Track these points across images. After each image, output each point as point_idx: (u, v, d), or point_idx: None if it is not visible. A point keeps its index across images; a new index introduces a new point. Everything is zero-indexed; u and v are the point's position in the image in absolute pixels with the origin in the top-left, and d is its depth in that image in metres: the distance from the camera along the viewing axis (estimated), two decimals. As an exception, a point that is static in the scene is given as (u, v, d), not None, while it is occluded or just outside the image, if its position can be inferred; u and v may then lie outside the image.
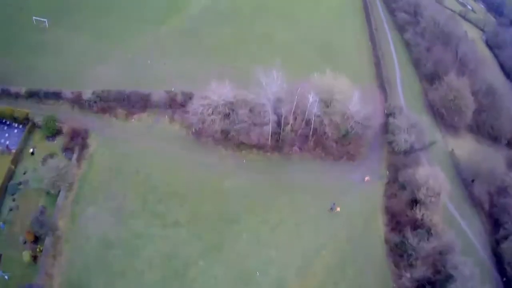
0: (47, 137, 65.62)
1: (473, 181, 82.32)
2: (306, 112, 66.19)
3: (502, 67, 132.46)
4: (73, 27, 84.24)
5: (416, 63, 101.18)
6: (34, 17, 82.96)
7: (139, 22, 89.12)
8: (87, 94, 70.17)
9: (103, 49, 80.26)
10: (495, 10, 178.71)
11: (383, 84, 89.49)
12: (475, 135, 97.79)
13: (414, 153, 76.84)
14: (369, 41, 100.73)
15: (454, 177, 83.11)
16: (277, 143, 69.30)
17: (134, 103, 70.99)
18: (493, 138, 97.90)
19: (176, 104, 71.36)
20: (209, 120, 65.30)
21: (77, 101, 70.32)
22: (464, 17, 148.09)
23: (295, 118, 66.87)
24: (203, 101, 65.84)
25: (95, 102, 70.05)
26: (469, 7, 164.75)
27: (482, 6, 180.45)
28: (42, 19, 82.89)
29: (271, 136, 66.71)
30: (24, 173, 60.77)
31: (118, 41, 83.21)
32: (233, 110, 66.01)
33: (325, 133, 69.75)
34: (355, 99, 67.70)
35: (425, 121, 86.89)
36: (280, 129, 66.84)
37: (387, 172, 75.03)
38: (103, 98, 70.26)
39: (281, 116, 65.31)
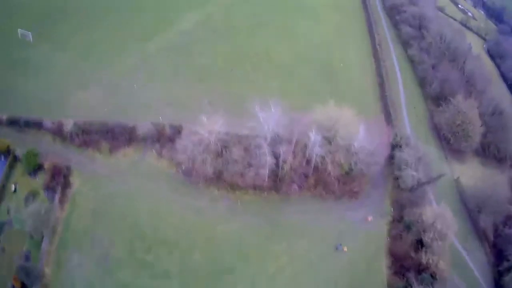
0: (29, 173, 62.15)
1: (479, 211, 78.72)
2: (307, 152, 60.89)
3: (503, 77, 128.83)
4: (57, 42, 79.00)
5: (422, 82, 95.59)
6: (19, 30, 77.91)
7: (126, 38, 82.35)
8: (68, 125, 64.66)
9: (87, 70, 74.32)
10: (496, 16, 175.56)
11: (387, 107, 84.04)
12: (480, 157, 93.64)
13: (421, 187, 72.26)
14: (373, 57, 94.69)
15: (459, 207, 79.77)
16: (274, 182, 64.07)
17: (118, 136, 65.02)
18: (499, 159, 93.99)
19: (164, 137, 65.44)
20: (199, 160, 59.69)
21: (59, 133, 65.49)
22: (465, 26, 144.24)
23: (294, 157, 61.42)
24: (193, 137, 60.10)
25: (77, 134, 64.47)
26: (470, 14, 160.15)
27: (482, 12, 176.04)
28: (27, 32, 77.86)
29: (268, 176, 61.39)
30: (8, 212, 58.94)
31: (103, 60, 76.87)
32: (226, 148, 60.42)
33: (326, 170, 64.55)
34: (360, 136, 62.51)
35: (431, 150, 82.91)
36: (278, 168, 61.47)
37: (392, 209, 70.48)
38: (85, 130, 64.65)
39: (279, 155, 59.85)
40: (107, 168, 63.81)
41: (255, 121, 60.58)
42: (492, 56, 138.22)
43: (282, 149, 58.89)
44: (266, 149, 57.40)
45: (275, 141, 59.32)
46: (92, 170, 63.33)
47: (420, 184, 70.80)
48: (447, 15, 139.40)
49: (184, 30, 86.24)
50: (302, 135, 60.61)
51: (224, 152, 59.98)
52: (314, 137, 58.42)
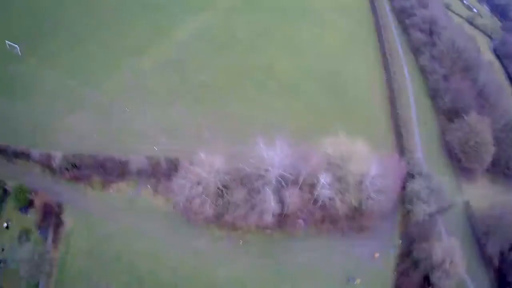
0: (20, 208, 59.48)
1: (486, 236, 76.19)
2: (315, 193, 56.68)
3: (510, 78, 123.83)
4: (46, 56, 74.30)
5: (433, 95, 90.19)
6: (7, 42, 73.39)
7: (119, 52, 76.43)
8: (57, 159, 59.90)
9: (75, 91, 69.30)
10: (500, 12, 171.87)
11: (399, 127, 79.05)
12: (490, 174, 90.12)
13: (431, 217, 68.88)
14: (383, 68, 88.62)
15: (467, 231, 76.89)
16: (279, 218, 60.04)
17: (110, 170, 60.20)
18: (509, 176, 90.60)
19: (159, 172, 60.73)
20: (198, 201, 55.27)
21: (48, 165, 61.25)
22: (471, 23, 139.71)
23: (301, 198, 57.17)
24: (191, 175, 55.39)
25: (66, 169, 59.97)
26: (475, 10, 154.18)
27: (487, 8, 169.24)
28: (14, 45, 73.31)
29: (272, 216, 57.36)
30: (2, 250, 56.69)
31: (92, 79, 71.38)
32: (227, 189, 55.95)
33: (334, 207, 60.54)
34: (371, 171, 58.23)
35: (442, 170, 78.81)
36: (283, 209, 57.37)
37: (400, 241, 67.32)
38: (75, 165, 59.89)
39: (285, 199, 55.55)
40: (101, 204, 59.49)
41: (258, 156, 55.80)
42: (498, 57, 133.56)
43: (288, 193, 54.48)
44: (270, 196, 52.91)
45: (281, 183, 54.82)
46: (85, 207, 59.19)
47: (431, 216, 67.49)
48: (453, 12, 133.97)
49: (180, 41, 79.75)
50: (310, 173, 56.05)
51: (225, 193, 55.54)
52: (323, 179, 53.98)
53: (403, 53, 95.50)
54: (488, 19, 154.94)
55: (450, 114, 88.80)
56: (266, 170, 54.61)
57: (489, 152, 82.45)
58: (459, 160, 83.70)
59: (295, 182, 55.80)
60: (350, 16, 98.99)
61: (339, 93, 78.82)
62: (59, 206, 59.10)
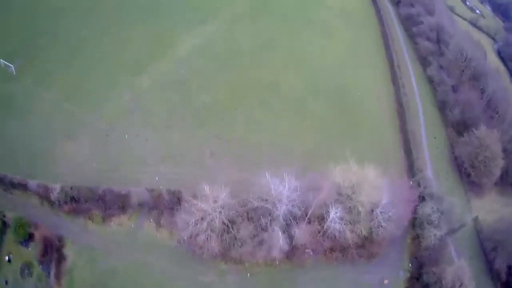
0: (20, 242, 58.08)
1: (494, 251, 74.93)
2: (325, 225, 54.64)
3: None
4: (41, 75, 72.06)
5: (441, 107, 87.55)
6: (1, 60, 71.47)
7: (116, 70, 73.43)
8: (55, 191, 57.90)
9: (73, 114, 66.98)
10: (502, 12, 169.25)
11: (407, 142, 76.72)
12: (499, 186, 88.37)
13: (441, 241, 67.27)
14: (391, 80, 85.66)
15: (475, 245, 75.54)
16: (286, 252, 58.15)
17: (110, 203, 57.88)
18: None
19: (162, 204, 58.40)
20: (203, 237, 53.09)
21: (46, 197, 59.18)
22: (475, 25, 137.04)
23: (310, 231, 55.10)
24: (195, 210, 52.97)
25: (65, 202, 57.88)
26: (478, 11, 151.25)
27: (488, 8, 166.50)
28: (9, 64, 71.30)
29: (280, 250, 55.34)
30: (6, 283, 55.97)
31: (90, 101, 68.90)
32: (233, 224, 53.77)
33: (344, 237, 58.61)
34: (383, 202, 56.21)
35: (450, 185, 76.98)
36: (291, 243, 55.36)
37: (410, 265, 65.81)
38: (74, 197, 57.66)
39: (294, 234, 53.50)
40: (102, 239, 57.41)
41: (265, 189, 53.53)
42: (503, 59, 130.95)
43: (297, 229, 52.37)
44: (279, 233, 50.81)
45: (289, 219, 52.69)
46: (86, 241, 57.27)
47: (441, 240, 65.92)
48: (457, 14, 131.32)
49: (181, 58, 76.50)
50: (319, 205, 53.92)
51: (231, 229, 53.39)
52: (333, 214, 51.91)
53: (410, 63, 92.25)
54: (490, 20, 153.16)
55: (458, 127, 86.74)
56: (274, 206, 52.43)
57: (498, 166, 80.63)
58: (468, 175, 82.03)
59: (304, 216, 53.63)
60: (356, 25, 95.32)
61: (347, 109, 76.01)
62: (60, 239, 57.44)
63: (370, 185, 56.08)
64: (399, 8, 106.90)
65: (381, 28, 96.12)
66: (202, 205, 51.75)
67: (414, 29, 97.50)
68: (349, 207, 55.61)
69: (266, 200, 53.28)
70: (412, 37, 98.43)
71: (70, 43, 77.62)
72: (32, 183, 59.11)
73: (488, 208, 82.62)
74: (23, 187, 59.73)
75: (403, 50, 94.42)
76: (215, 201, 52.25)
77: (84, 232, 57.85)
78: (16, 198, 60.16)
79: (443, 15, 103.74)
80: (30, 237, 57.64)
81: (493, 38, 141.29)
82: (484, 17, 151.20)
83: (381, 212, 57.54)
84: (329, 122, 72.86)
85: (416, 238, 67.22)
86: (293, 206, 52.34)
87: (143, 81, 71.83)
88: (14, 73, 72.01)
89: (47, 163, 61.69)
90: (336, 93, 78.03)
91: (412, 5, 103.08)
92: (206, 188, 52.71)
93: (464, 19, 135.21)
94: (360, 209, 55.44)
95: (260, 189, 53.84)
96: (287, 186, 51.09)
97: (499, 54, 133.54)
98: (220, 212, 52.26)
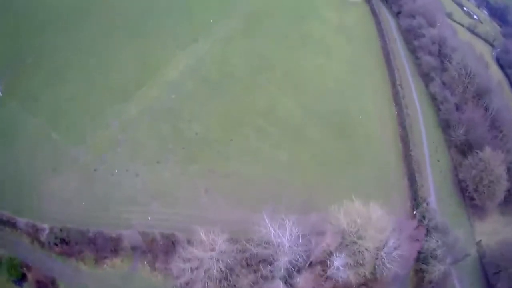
0: (13, 281, 55.32)
1: (496, 275, 73.04)
2: (328, 272, 51.35)
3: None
4: (28, 98, 68.33)
5: (444, 126, 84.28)
6: None
7: (102, 96, 68.84)
8: (44, 232, 54.75)
9: (59, 145, 62.77)
10: (499, 16, 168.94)
11: (411, 169, 73.48)
12: (501, 206, 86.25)
13: (445, 273, 64.68)
14: (393, 100, 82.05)
15: (477, 271, 73.46)
16: None
17: (102, 246, 54.09)
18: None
19: (156, 248, 54.67)
20: (200, 286, 49.50)
21: (36, 237, 55.92)
22: (473, 32, 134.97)
23: (312, 277, 51.80)
24: (190, 256, 49.38)
25: (55, 244, 54.54)
26: (475, 17, 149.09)
27: (485, 12, 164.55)
28: None
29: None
30: None
31: (76, 129, 64.56)
32: (231, 271, 50.25)
33: (347, 279, 55.51)
34: (388, 245, 53.10)
35: (456, 216, 74.34)
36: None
37: (411, 300, 63.30)
38: (64, 239, 54.15)
39: (296, 283, 50.11)
40: (95, 282, 54.01)
41: (264, 234, 49.93)
42: (502, 66, 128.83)
43: (299, 279, 49.02)
44: (280, 284, 47.42)
45: (291, 269, 49.29)
46: (79, 284, 53.78)
47: (445, 274, 63.39)
48: (455, 21, 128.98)
49: (171, 82, 71.64)
50: (322, 251, 50.59)
51: (229, 277, 49.90)
52: (337, 262, 48.65)
53: (412, 81, 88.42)
54: (488, 25, 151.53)
55: (462, 147, 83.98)
56: (274, 252, 48.97)
57: (502, 189, 78.35)
58: (471, 198, 79.53)
59: (305, 264, 50.26)
60: (355, 40, 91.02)
61: (348, 136, 72.14)
62: (53, 282, 54.25)
63: (375, 227, 52.82)
64: (399, 19, 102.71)
65: (382, 44, 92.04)
66: (198, 253, 48.37)
67: (416, 42, 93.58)
68: (354, 251, 52.41)
69: (266, 246, 49.91)
70: (413, 51, 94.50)
71: (56, 64, 73.14)
72: (21, 221, 55.83)
73: (490, 230, 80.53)
74: (12, 225, 56.62)
75: (404, 66, 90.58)
76: (211, 249, 48.97)
77: (77, 274, 54.63)
78: (6, 235, 56.87)
79: (444, 27, 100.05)
80: (23, 277, 54.47)
81: (491, 45, 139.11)
82: (481, 22, 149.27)
83: (386, 253, 54.60)
84: (330, 150, 68.97)
85: (420, 271, 64.77)
86: (294, 254, 49.02)
87: (131, 109, 67.14)
88: (0, 94, 68.48)
89: (34, 199, 58.00)
90: (336, 117, 73.98)
91: (413, 16, 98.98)
92: (202, 234, 49.44)
93: (462, 25, 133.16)
94: (365, 254, 52.30)
95: (259, 232, 50.17)
96: (288, 235, 47.62)
97: (498, 61, 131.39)
98: (217, 258, 48.86)
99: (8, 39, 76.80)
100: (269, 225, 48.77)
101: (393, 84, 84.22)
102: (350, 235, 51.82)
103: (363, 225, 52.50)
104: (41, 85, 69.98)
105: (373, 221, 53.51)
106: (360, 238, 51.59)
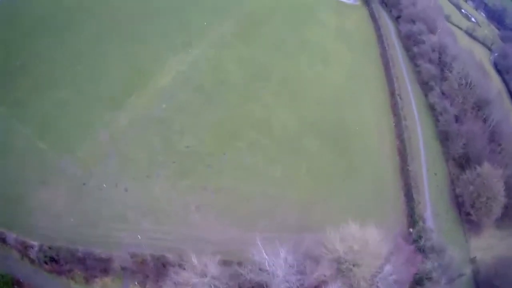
0: None
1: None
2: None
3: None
4: (15, 104, 64.36)
5: (443, 138, 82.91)
6: None
7: (91, 104, 65.24)
8: (33, 249, 52.03)
9: (47, 156, 59.48)
10: (497, 19, 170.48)
11: (408, 184, 72.03)
12: (496, 221, 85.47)
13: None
14: (391, 109, 79.97)
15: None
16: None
17: (92, 266, 51.94)
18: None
19: (146, 269, 52.64)
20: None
21: (25, 253, 52.91)
22: (471, 35, 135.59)
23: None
24: (182, 280, 47.64)
25: (45, 262, 51.97)
26: (473, 19, 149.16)
27: (483, 15, 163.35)
28: None
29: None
30: None
31: (64, 140, 61.25)
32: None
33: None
34: (385, 271, 51.70)
35: (451, 232, 73.42)
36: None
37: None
38: (53, 257, 51.78)
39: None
40: (89, 300, 51.87)
41: (257, 259, 48.20)
42: (499, 72, 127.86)
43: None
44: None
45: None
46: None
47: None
48: (453, 24, 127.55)
49: (163, 89, 68.32)
50: (317, 277, 48.99)
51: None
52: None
53: (411, 89, 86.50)
54: (486, 27, 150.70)
55: (461, 160, 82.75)
56: (268, 279, 47.28)
57: (499, 205, 77.43)
58: (467, 214, 78.67)
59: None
60: (354, 45, 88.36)
61: (344, 148, 70.20)
62: None
63: (372, 253, 51.39)
64: (399, 24, 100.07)
65: (381, 51, 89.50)
66: (190, 278, 46.56)
67: (415, 49, 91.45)
68: (349, 278, 50.92)
69: (259, 273, 48.19)
70: (413, 58, 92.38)
71: (45, 68, 69.24)
72: (10, 237, 52.74)
73: (486, 245, 79.71)
74: (2, 240, 53.47)
75: (403, 74, 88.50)
76: (203, 274, 47.21)
77: (69, 292, 52.15)
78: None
79: (444, 33, 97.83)
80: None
81: (489, 48, 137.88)
82: (480, 25, 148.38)
83: (381, 279, 53.23)
84: (325, 164, 66.96)
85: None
86: (288, 282, 47.31)
87: (120, 119, 64.02)
88: None
89: (23, 212, 54.72)
90: (333, 129, 71.84)
91: (413, 22, 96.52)
92: (193, 258, 47.61)
93: (461, 28, 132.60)
94: (362, 282, 50.86)
95: (252, 256, 48.72)
96: (282, 263, 45.90)
97: (496, 66, 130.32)
98: (210, 286, 47.14)
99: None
100: (263, 252, 47.04)
101: (392, 94, 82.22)
102: (346, 262, 50.37)
103: (360, 251, 51.06)
104: (29, 91, 66.31)
105: (370, 246, 52.13)
106: (356, 265, 50.15)
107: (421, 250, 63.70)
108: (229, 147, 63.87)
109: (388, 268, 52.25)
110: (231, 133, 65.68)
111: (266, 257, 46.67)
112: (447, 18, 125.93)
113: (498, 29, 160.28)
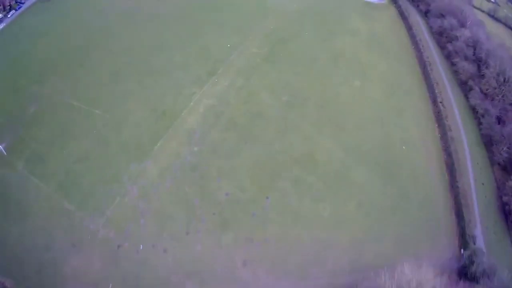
0: None
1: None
2: None
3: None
4: (34, 159, 62.05)
5: (487, 143, 76.92)
6: None
7: (115, 156, 61.72)
8: None
9: (75, 217, 55.99)
10: None
11: (458, 202, 66.66)
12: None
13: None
14: (434, 121, 73.87)
15: None
16: None
17: None
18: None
19: None
20: None
21: None
22: (493, 17, 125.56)
23: None
24: None
25: None
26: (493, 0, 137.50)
27: None
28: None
29: None
30: None
31: (91, 198, 57.54)
32: None
33: None
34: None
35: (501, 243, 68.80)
36: None
37: None
38: None
39: None
40: None
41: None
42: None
43: None
44: None
45: None
46: None
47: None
48: (476, 8, 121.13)
49: (191, 129, 63.41)
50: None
51: None
52: None
53: (451, 92, 79.47)
54: (505, 7, 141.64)
55: (505, 164, 77.26)
56: None
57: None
58: (513, 222, 74.28)
59: None
60: (388, 51, 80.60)
61: (393, 175, 64.40)
62: None
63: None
64: (429, 20, 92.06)
65: (417, 53, 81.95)
66: None
67: (450, 47, 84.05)
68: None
69: None
70: (448, 56, 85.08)
71: (60, 117, 65.36)
72: None
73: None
74: None
75: (442, 77, 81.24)
76: None
77: None
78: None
79: (474, 24, 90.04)
80: None
81: (511, 28, 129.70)
82: (499, 5, 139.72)
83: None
84: (375, 196, 61.52)
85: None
86: None
87: (148, 170, 59.39)
88: (5, 153, 62.42)
89: (56, 281, 51.74)
90: (379, 153, 66.17)
91: (442, 16, 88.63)
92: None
93: (483, 11, 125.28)
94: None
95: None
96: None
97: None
98: None
99: (6, 87, 68.84)
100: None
101: (434, 102, 75.60)
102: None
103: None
104: (46, 142, 62.92)
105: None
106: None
107: (473, 277, 60.00)
108: (271, 189, 58.98)
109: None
110: (272, 173, 60.53)
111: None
112: (469, 2, 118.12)
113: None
